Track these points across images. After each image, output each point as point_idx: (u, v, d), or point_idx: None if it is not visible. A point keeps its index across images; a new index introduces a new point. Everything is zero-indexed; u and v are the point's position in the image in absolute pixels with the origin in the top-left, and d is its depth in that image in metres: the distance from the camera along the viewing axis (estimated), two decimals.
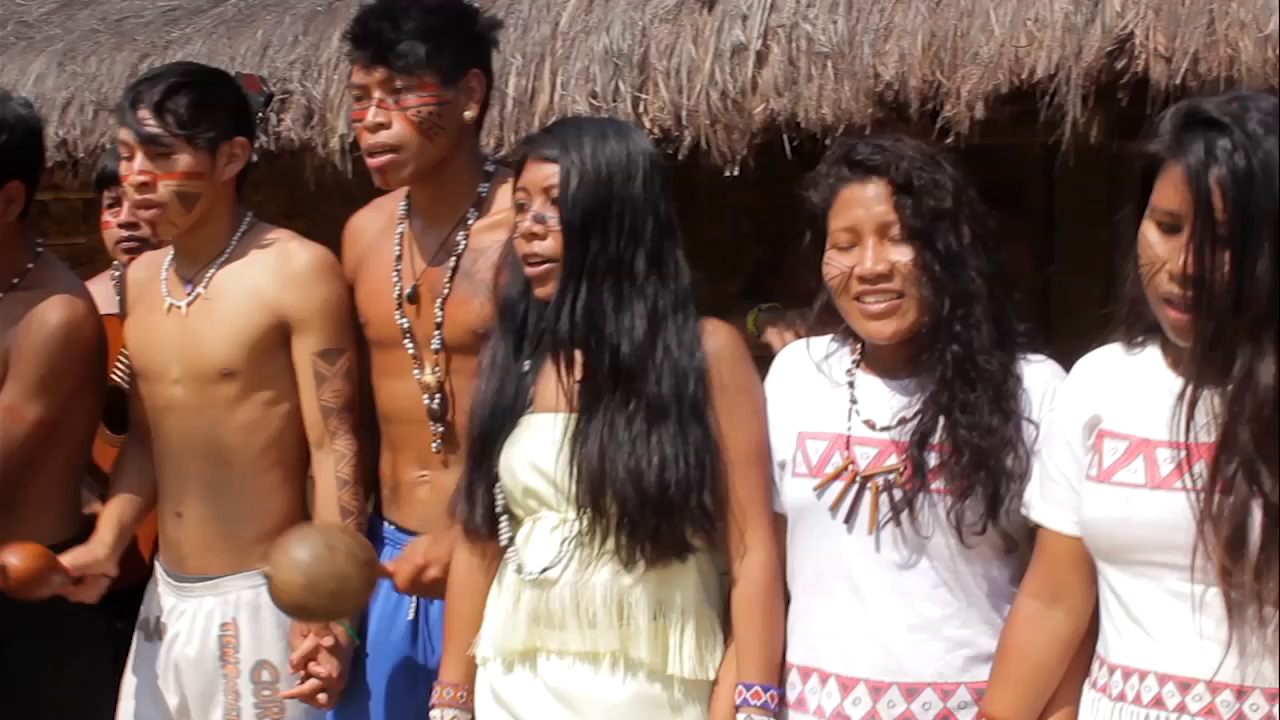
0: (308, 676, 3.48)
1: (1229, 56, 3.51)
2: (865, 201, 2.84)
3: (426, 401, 3.47)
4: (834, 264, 2.87)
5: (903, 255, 2.81)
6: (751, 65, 4.09)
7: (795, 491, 2.92)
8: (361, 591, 3.29)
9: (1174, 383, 2.45)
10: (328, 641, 3.47)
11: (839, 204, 2.87)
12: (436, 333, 3.47)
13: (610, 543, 2.93)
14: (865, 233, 2.83)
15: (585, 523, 2.94)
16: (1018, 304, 2.88)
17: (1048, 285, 5.50)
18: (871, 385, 2.93)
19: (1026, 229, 5.41)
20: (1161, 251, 2.37)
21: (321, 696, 3.49)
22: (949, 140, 3.79)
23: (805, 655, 2.92)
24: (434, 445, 3.48)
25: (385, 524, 3.61)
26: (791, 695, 2.93)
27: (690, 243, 3.06)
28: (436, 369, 3.47)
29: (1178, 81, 3.51)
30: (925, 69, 3.87)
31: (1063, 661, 2.65)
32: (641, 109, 4.22)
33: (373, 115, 3.37)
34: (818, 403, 2.96)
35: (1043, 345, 2.90)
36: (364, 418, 3.61)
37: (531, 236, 2.99)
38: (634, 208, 2.96)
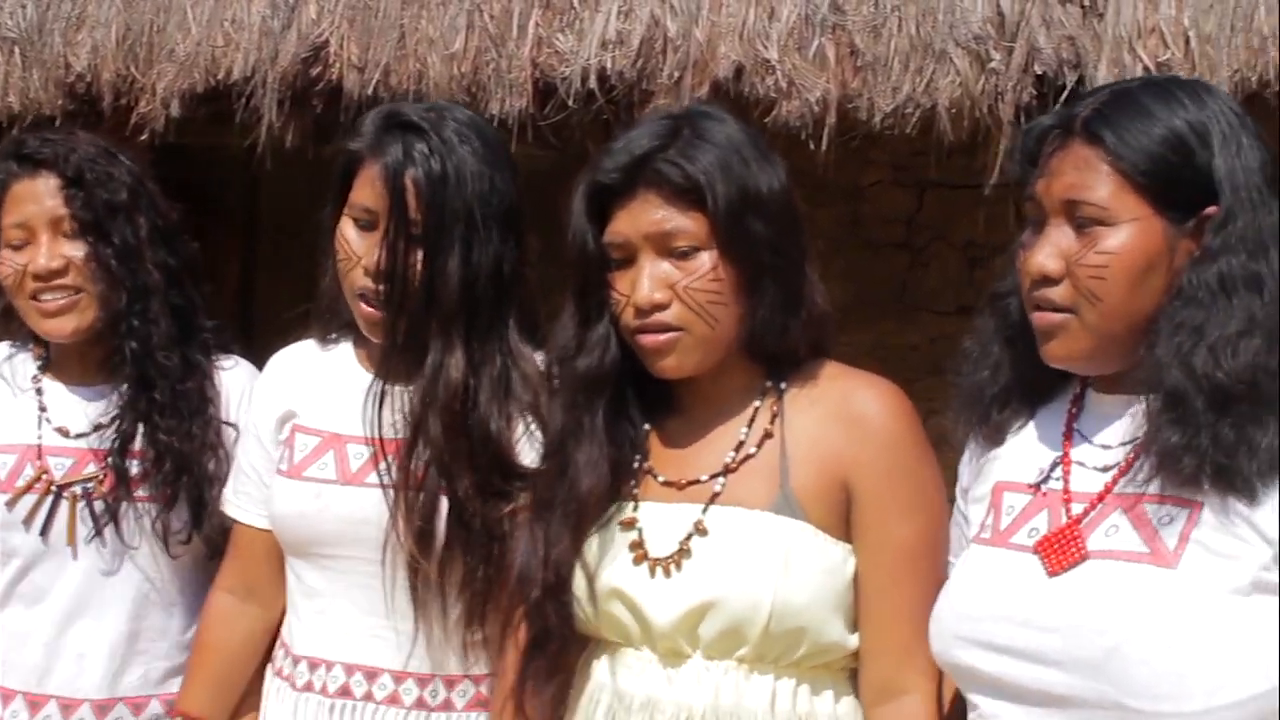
0: None
1: (418, 71, 3.65)
2: (36, 196, 2.72)
3: None
4: (8, 263, 2.74)
5: (77, 250, 2.71)
6: None
7: None
8: None
9: (366, 379, 2.50)
10: None
11: (10, 201, 2.74)
12: None
13: None
14: (38, 229, 2.72)
15: None
16: (204, 299, 2.85)
17: (250, 286, 5.52)
18: (62, 391, 2.81)
19: (229, 231, 5.40)
20: (358, 248, 2.42)
21: None
22: (143, 137, 3.71)
23: None
24: None
25: None
26: None
27: None
28: None
29: (370, 91, 3.61)
30: (119, 63, 3.78)
31: (256, 654, 2.65)
32: None
33: None
34: (3, 413, 2.80)
35: (232, 343, 2.88)
36: None
37: None
38: None
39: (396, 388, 2.44)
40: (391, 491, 2.41)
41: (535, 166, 3.92)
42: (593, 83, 3.55)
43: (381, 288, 2.39)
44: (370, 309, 2.42)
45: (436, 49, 3.64)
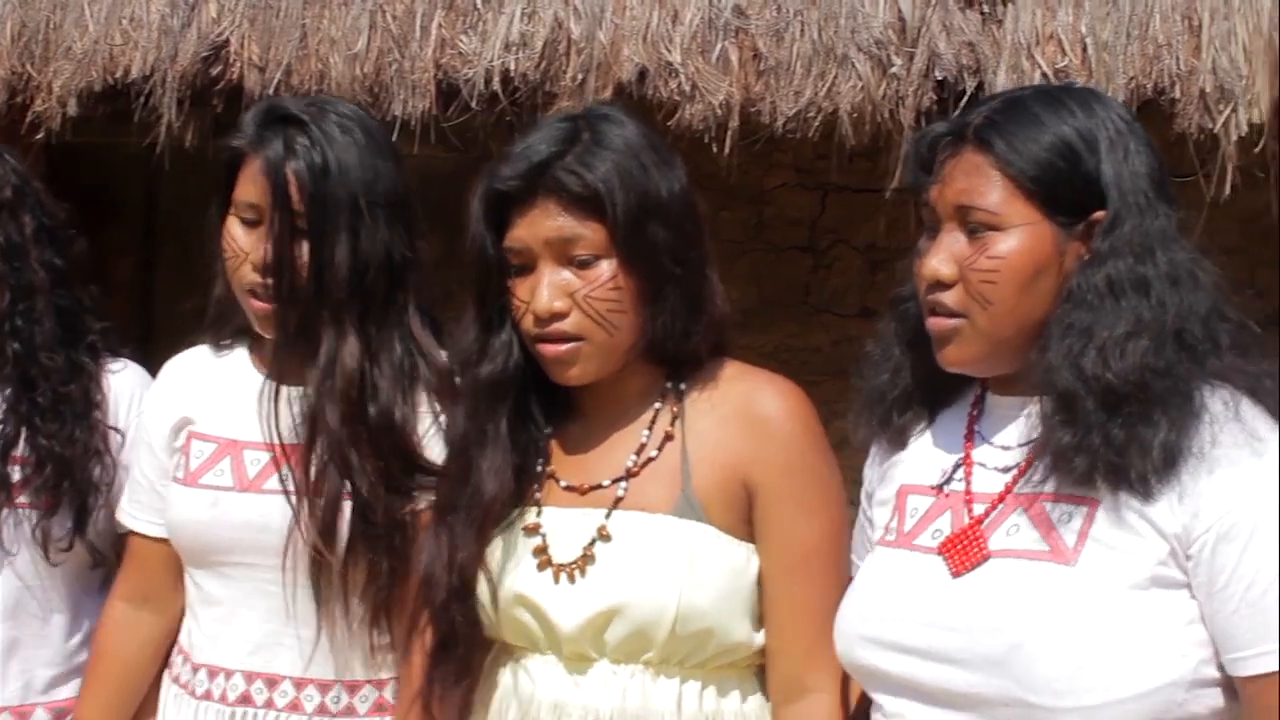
0: None
1: (320, 71, 3.62)
2: None
3: None
4: None
5: None
6: None
7: None
8: None
9: (261, 383, 2.48)
10: None
11: None
12: None
13: None
14: None
15: None
16: (93, 300, 2.81)
17: (149, 287, 5.45)
18: None
19: (127, 230, 5.33)
20: (244, 244, 2.41)
21: None
22: (40, 136, 3.66)
23: None
24: None
25: None
26: None
27: None
28: None
29: (271, 91, 3.58)
30: (14, 60, 3.72)
31: (154, 662, 2.62)
32: None
33: None
34: None
35: (122, 345, 2.84)
36: None
37: None
38: None
39: (294, 390, 2.42)
40: (293, 496, 2.40)
41: (438, 168, 3.91)
42: (496, 84, 3.54)
43: (270, 281, 2.38)
44: (260, 303, 2.41)
45: (338, 49, 3.62)
